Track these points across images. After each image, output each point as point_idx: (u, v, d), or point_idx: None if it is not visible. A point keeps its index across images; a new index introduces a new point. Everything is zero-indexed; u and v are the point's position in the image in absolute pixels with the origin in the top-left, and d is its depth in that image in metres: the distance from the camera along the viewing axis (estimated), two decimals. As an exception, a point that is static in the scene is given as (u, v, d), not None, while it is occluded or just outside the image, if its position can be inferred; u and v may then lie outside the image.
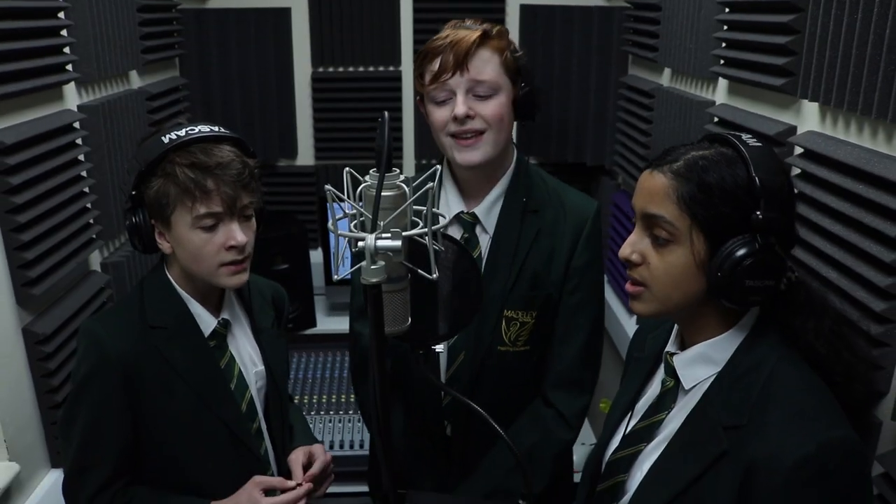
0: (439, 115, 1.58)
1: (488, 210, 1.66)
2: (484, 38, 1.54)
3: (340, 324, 2.93)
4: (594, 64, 2.99)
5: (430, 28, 2.84)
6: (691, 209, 1.10)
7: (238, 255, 1.45)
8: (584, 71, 3.01)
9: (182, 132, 1.42)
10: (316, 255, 3.17)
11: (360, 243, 0.92)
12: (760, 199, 1.07)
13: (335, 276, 0.99)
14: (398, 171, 1.01)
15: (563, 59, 3.02)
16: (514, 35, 3.05)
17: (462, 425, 1.73)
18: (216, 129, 1.46)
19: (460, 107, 1.53)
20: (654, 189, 1.13)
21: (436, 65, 1.55)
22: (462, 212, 1.67)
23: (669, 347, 1.26)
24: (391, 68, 3.11)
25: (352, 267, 1.01)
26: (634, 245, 1.17)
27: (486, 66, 1.54)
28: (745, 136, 1.14)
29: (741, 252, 1.07)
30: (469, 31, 1.54)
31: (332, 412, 2.60)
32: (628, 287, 1.20)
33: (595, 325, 1.71)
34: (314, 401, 2.67)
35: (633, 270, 1.18)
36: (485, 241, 1.67)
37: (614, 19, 2.92)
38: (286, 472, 1.62)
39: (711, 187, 1.09)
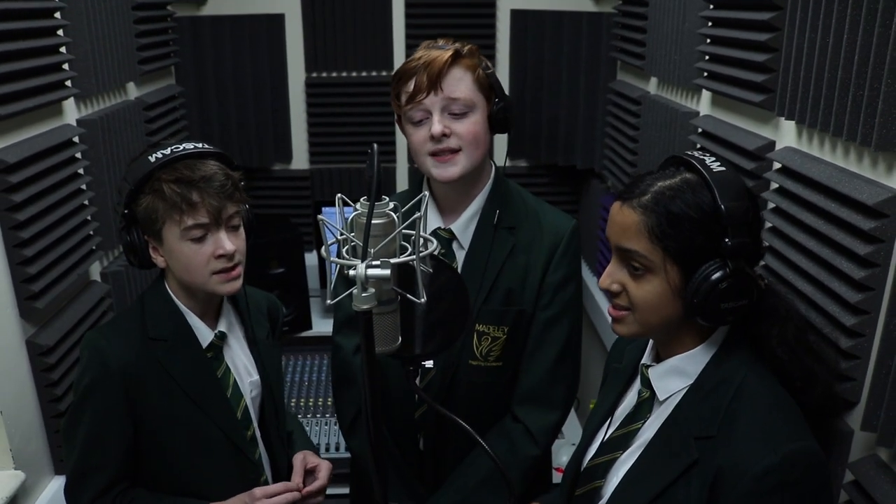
0: (417, 135, 1.61)
1: (465, 226, 1.69)
2: (456, 57, 1.57)
3: (336, 327, 2.97)
4: (583, 68, 3.03)
5: (422, 33, 2.92)
6: (662, 242, 1.15)
7: (227, 262, 1.51)
8: (573, 75, 3.05)
9: (167, 150, 1.49)
10: (311, 258, 3.20)
11: (352, 272, 0.97)
12: (728, 226, 1.13)
13: (328, 302, 1.04)
14: (387, 199, 1.05)
15: (554, 63, 3.06)
16: (505, 39, 3.10)
17: (434, 439, 1.75)
18: (200, 145, 1.53)
19: (436, 126, 1.56)
20: (626, 224, 1.18)
21: (411, 86, 1.58)
22: (439, 228, 1.70)
23: (645, 360, 1.32)
24: (384, 73, 3.13)
25: (337, 282, 1.04)
26: (613, 276, 1.23)
27: (460, 84, 1.58)
28: (708, 161, 1.19)
29: (714, 277, 1.13)
30: (441, 52, 1.58)
31: (327, 415, 2.63)
32: (611, 311, 1.25)
33: (568, 342, 1.70)
34: (310, 404, 2.70)
35: (615, 298, 1.23)
36: (461, 257, 1.69)
37: (603, 25, 2.96)
38: (280, 477, 1.69)
39: (680, 219, 1.14)
